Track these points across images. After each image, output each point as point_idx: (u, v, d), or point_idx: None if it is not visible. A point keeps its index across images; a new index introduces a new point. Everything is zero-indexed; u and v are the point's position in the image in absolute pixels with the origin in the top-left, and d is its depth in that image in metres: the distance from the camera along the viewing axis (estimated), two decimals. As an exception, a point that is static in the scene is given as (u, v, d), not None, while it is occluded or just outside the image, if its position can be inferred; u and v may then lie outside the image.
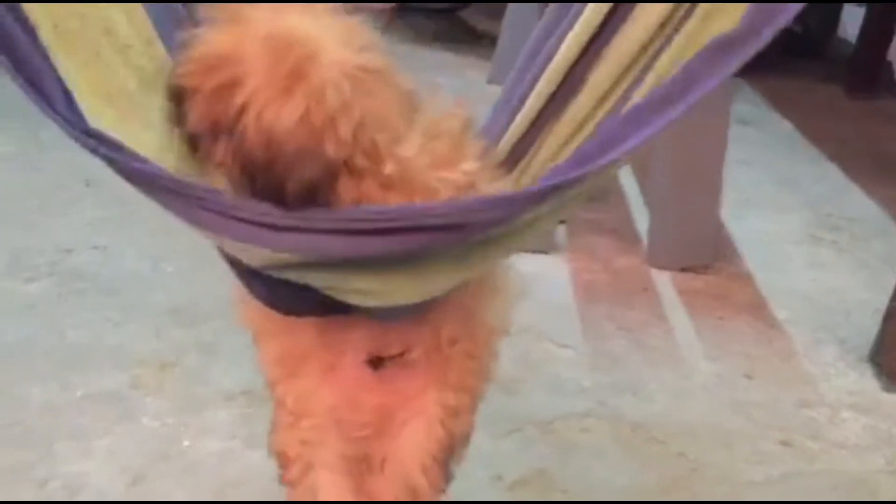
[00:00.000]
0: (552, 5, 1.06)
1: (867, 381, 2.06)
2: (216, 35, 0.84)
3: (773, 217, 2.95)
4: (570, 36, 1.00)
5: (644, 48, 0.95)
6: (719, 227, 2.67)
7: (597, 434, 1.77)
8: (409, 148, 0.87)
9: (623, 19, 0.96)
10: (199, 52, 0.84)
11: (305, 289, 0.88)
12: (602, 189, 2.77)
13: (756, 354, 2.13)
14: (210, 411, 1.70)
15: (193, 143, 0.87)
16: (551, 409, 1.82)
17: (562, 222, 2.56)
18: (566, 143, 1.01)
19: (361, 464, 1.04)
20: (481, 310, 1.03)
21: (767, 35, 0.86)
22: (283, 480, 1.06)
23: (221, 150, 0.84)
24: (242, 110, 0.81)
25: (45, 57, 0.89)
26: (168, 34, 1.00)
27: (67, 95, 0.89)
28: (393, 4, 4.29)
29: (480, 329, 1.03)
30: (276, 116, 0.81)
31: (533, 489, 1.60)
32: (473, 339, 1.02)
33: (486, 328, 1.04)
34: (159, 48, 1.00)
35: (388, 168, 0.85)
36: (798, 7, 0.85)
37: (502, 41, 3.76)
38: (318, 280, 0.88)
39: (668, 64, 0.92)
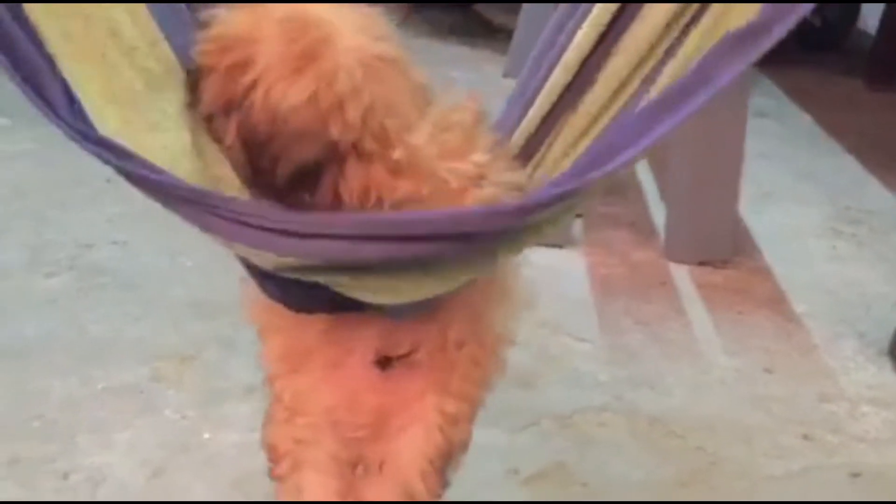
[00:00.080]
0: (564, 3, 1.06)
1: (887, 375, 2.04)
2: (234, 16, 0.85)
3: (792, 210, 2.93)
4: (581, 32, 1.00)
5: (655, 44, 0.95)
6: (737, 221, 2.66)
7: (614, 428, 1.77)
8: (420, 136, 0.88)
9: (632, 17, 0.96)
10: (216, 32, 0.85)
11: (316, 286, 0.89)
12: (619, 183, 2.76)
13: (775, 349, 2.12)
14: (230, 404, 1.71)
15: (208, 127, 0.88)
16: (568, 403, 1.82)
17: (578, 216, 2.55)
18: (581, 136, 1.01)
19: (352, 467, 1.03)
20: (490, 312, 1.02)
21: (783, 28, 0.85)
22: (272, 475, 1.05)
23: (232, 129, 0.85)
24: (252, 86, 0.83)
25: (51, 62, 0.89)
26: (173, 35, 1.00)
27: (72, 100, 0.89)
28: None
29: (488, 334, 1.03)
30: (284, 94, 0.82)
31: (549, 483, 1.60)
32: (481, 345, 1.02)
33: (493, 334, 1.03)
34: (165, 49, 1.01)
35: (397, 153, 0.85)
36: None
37: (518, 35, 3.75)
38: (328, 281, 0.88)
39: (683, 59, 0.92)
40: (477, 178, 0.89)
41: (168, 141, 0.94)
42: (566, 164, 1.01)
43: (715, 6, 0.91)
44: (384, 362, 1.00)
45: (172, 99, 0.97)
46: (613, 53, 0.98)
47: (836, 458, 1.75)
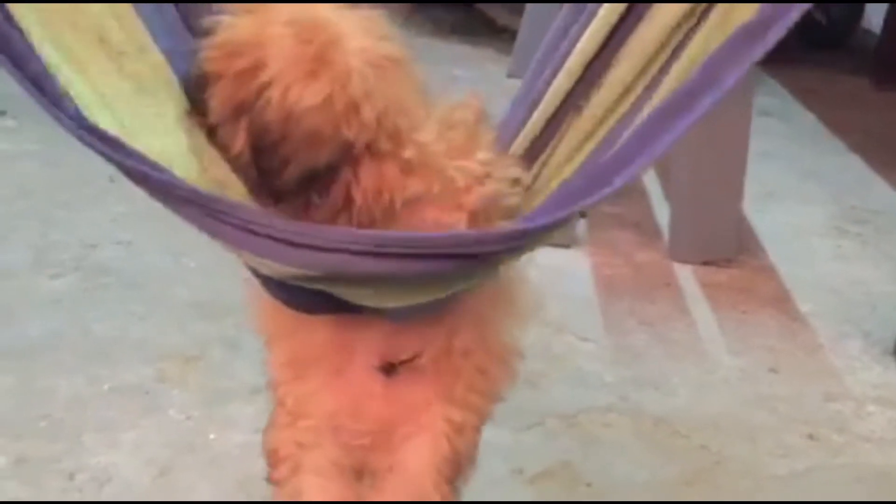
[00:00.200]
0: (568, 4, 1.06)
1: (892, 374, 2.04)
2: (238, 21, 0.85)
3: (796, 209, 2.93)
4: (586, 35, 1.00)
5: (662, 46, 0.95)
6: (741, 220, 2.65)
7: (619, 428, 1.77)
8: (427, 134, 0.88)
9: (639, 18, 0.97)
10: (221, 39, 0.85)
11: (321, 290, 0.89)
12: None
13: (780, 348, 2.12)
14: (235, 404, 1.71)
15: (212, 135, 0.88)
16: (573, 403, 1.82)
17: (582, 216, 2.55)
18: (586, 139, 1.01)
19: (356, 475, 1.02)
20: (496, 320, 1.02)
21: (786, 24, 0.85)
22: (270, 479, 1.04)
23: (241, 134, 0.85)
24: (266, 87, 0.82)
25: (45, 67, 0.88)
26: (160, 37, 1.00)
27: (69, 98, 0.89)
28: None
29: (495, 342, 1.02)
30: (300, 96, 0.82)
31: (554, 483, 1.60)
32: (487, 353, 1.01)
33: (500, 343, 1.03)
34: (154, 53, 1.00)
35: (409, 153, 0.86)
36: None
37: (522, 35, 3.75)
38: (330, 288, 0.88)
39: (688, 60, 0.92)
40: (483, 175, 0.90)
41: (165, 144, 0.94)
42: (570, 168, 1.01)
43: (720, 5, 0.90)
44: (389, 369, 0.99)
45: (166, 102, 0.97)
46: (619, 56, 0.98)
47: (842, 457, 1.75)
